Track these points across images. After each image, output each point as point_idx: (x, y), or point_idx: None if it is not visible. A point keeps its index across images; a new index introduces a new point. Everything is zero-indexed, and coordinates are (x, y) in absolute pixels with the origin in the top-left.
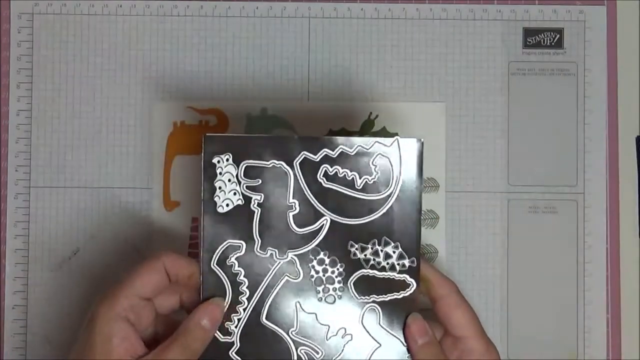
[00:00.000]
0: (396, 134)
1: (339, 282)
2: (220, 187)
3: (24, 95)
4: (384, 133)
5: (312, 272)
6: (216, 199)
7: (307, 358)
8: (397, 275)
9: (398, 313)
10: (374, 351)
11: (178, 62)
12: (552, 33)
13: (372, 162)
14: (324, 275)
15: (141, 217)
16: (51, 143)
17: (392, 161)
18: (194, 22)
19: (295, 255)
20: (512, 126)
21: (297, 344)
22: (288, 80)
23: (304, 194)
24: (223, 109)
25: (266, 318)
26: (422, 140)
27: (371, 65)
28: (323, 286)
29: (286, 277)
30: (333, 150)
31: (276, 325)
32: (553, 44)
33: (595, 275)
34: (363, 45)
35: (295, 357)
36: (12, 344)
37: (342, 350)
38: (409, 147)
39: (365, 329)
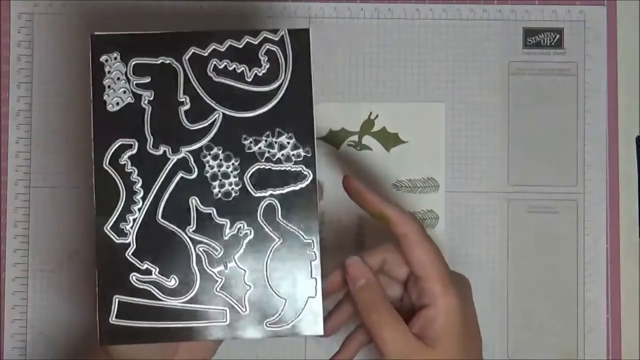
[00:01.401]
0: (396, 134)
1: (234, 176)
2: (109, 86)
3: (24, 95)
4: (384, 133)
5: (207, 168)
6: (105, 97)
7: (205, 255)
8: (292, 166)
9: (296, 205)
10: (274, 246)
11: None
12: (552, 33)
13: (261, 54)
14: (219, 170)
15: None
16: (51, 143)
17: (281, 52)
18: (194, 23)
19: (188, 151)
20: (512, 126)
21: (195, 242)
22: None
23: (195, 89)
24: None
25: (162, 217)
26: (308, 28)
27: (371, 65)
28: (219, 181)
29: (181, 174)
30: (221, 44)
31: (173, 223)
32: (553, 44)
33: (595, 275)
34: (363, 45)
35: (194, 255)
36: (12, 344)
37: (242, 246)
38: (297, 36)
39: (264, 224)
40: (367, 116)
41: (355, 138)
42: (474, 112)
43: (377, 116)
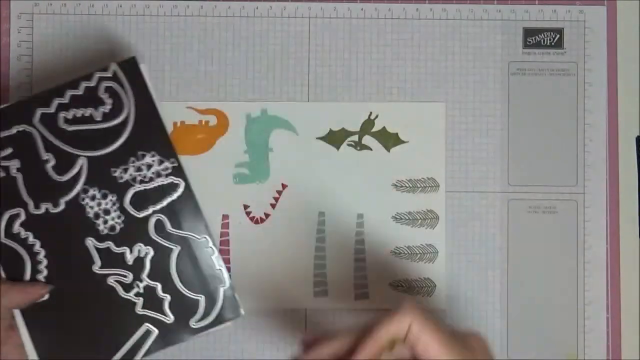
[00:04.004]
0: (396, 134)
1: (115, 210)
2: None
3: (24, 95)
4: (383, 133)
5: (88, 209)
6: None
7: (118, 285)
8: (164, 180)
9: (181, 213)
10: (176, 255)
11: (178, 62)
12: (552, 33)
13: (101, 93)
14: (99, 209)
15: None
16: None
17: (118, 84)
18: (194, 22)
19: (67, 201)
20: (512, 126)
21: (105, 276)
22: (288, 80)
23: (54, 144)
24: (223, 109)
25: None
26: (134, 56)
27: (371, 65)
28: (102, 219)
29: (70, 225)
30: (63, 97)
31: (79, 267)
32: (553, 44)
33: (595, 275)
34: (363, 45)
35: (106, 287)
36: None
37: (146, 265)
38: (127, 68)
39: (159, 239)
40: (367, 116)
41: (355, 138)
42: (474, 112)
43: (377, 116)
